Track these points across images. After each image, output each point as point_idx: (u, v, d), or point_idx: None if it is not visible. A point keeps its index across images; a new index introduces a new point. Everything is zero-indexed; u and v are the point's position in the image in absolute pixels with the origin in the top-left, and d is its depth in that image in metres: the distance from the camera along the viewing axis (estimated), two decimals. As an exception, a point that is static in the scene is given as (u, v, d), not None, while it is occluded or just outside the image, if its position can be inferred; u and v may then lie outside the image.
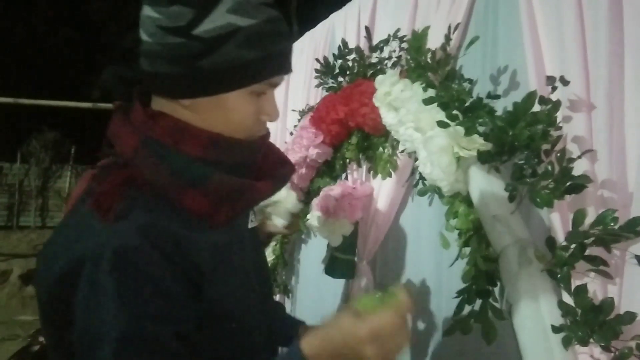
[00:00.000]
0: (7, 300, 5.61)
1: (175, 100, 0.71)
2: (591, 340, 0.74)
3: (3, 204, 9.30)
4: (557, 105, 0.90)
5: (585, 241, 0.78)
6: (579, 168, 0.85)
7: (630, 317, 0.71)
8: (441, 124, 1.02)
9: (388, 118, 1.33)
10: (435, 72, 1.16)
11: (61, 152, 9.40)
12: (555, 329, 0.77)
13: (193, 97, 0.70)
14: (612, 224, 0.76)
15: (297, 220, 1.68)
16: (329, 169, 2.08)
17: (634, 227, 0.73)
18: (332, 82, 1.87)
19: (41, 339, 3.74)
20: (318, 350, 0.67)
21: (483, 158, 0.97)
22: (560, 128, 0.89)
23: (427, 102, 1.11)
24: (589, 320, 0.73)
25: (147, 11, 0.70)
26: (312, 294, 2.22)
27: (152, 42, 0.69)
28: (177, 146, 0.70)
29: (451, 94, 1.05)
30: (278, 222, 1.63)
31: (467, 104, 1.04)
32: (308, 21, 2.62)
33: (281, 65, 0.73)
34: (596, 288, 0.81)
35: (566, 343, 0.76)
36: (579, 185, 0.80)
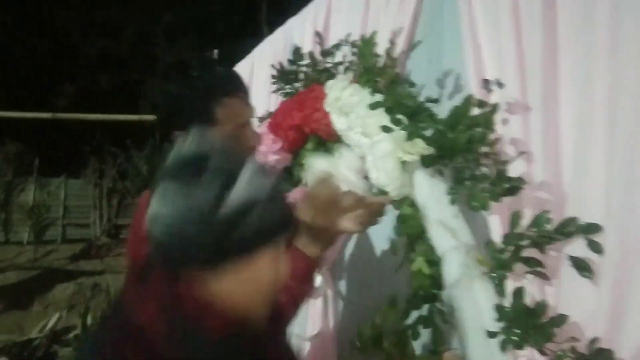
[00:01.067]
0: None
1: None
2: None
3: (-36, 219, 8.95)
4: (495, 108, 0.91)
5: (521, 243, 0.78)
6: (516, 170, 0.85)
7: (561, 319, 0.72)
8: (385, 129, 1.02)
9: (339, 123, 1.33)
10: (381, 77, 1.16)
11: (24, 164, 9.11)
12: (491, 334, 0.77)
13: None
14: (546, 225, 0.77)
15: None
16: (290, 176, 2.07)
17: (564, 228, 0.73)
18: (289, 88, 1.85)
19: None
20: None
21: (425, 162, 0.97)
22: (495, 131, 0.89)
23: (373, 106, 1.11)
24: (523, 323, 0.73)
25: None
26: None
27: None
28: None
29: (394, 99, 1.05)
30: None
31: (411, 108, 1.04)
32: (277, 26, 2.61)
33: None
34: (535, 291, 0.81)
35: (502, 347, 0.76)
36: (514, 187, 0.80)
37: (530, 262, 0.77)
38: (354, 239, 1.67)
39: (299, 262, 1.08)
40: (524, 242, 0.78)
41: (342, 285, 1.71)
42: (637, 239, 0.68)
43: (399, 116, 1.06)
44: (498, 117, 0.90)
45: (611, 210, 0.71)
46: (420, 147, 0.98)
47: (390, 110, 1.08)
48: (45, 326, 3.84)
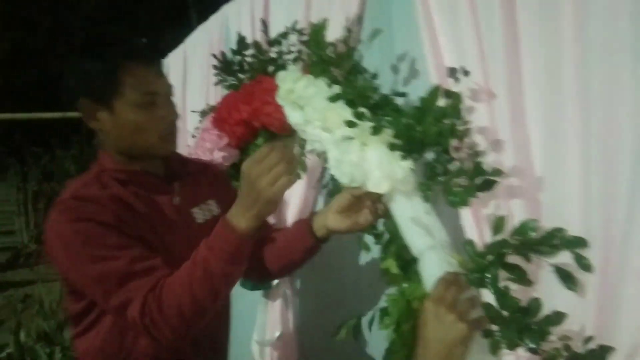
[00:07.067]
0: None
1: None
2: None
3: None
4: (458, 97, 0.87)
5: (505, 250, 0.75)
6: (487, 160, 0.83)
7: (558, 317, 0.69)
8: (349, 124, 0.96)
9: (293, 117, 1.25)
10: (337, 67, 1.09)
11: None
12: (486, 334, 0.74)
13: None
14: (532, 233, 0.73)
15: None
16: (238, 173, 1.97)
17: (550, 240, 0.70)
18: (233, 80, 1.75)
19: None
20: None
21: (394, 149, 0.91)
22: (466, 122, 0.86)
23: (333, 99, 1.04)
24: (518, 322, 0.70)
25: None
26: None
27: None
28: None
29: (357, 91, 0.99)
30: None
31: (374, 101, 0.98)
32: (207, 13, 2.45)
33: None
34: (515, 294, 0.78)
35: (494, 348, 0.73)
36: (491, 181, 0.77)
37: (513, 269, 0.74)
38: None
39: (225, 237, 0.95)
40: (507, 250, 0.74)
41: (302, 286, 1.65)
42: (618, 228, 0.66)
43: (361, 109, 1.01)
44: (465, 107, 0.87)
45: (591, 199, 0.69)
46: (387, 136, 0.93)
47: (351, 104, 1.02)
48: (-27, 348, 3.51)
